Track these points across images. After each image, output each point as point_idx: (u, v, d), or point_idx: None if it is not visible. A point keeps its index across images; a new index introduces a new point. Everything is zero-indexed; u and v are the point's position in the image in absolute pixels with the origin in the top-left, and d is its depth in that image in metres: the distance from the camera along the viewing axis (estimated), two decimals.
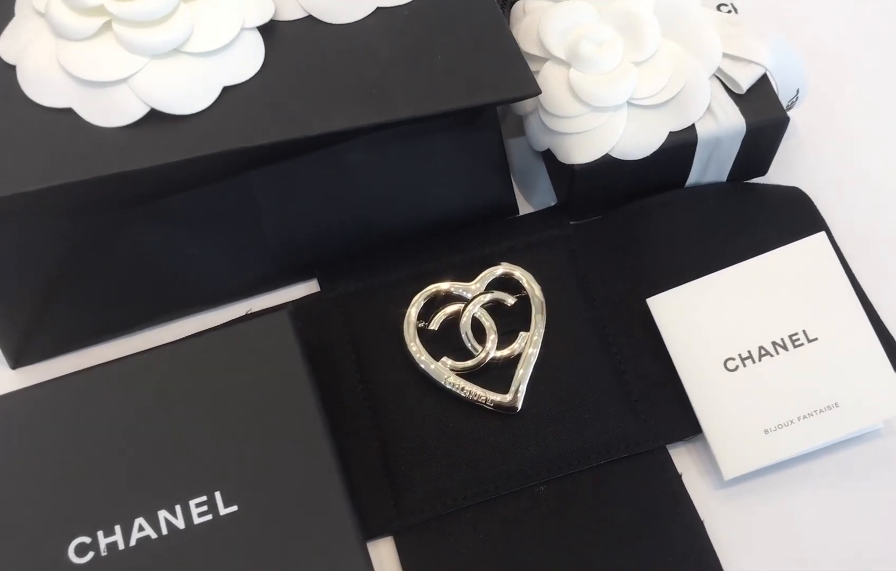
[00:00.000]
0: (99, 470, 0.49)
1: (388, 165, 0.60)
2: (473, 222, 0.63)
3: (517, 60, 0.58)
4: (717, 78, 0.62)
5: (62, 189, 0.51)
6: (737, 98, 0.61)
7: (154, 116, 0.53)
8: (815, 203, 0.64)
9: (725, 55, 0.62)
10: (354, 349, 0.58)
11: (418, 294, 0.58)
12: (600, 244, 0.62)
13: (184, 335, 0.58)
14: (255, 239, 0.59)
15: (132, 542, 0.47)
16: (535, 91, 0.57)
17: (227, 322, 0.57)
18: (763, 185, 0.65)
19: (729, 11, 0.65)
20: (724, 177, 0.64)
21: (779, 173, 0.65)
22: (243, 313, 0.59)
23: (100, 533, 0.47)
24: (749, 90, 0.61)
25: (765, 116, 0.61)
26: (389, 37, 0.57)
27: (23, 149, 0.52)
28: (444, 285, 0.58)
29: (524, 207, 0.65)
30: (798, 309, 0.57)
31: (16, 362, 0.58)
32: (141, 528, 0.48)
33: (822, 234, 0.59)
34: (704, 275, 0.59)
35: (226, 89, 0.54)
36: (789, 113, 0.62)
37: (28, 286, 0.56)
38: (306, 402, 0.51)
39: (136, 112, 0.53)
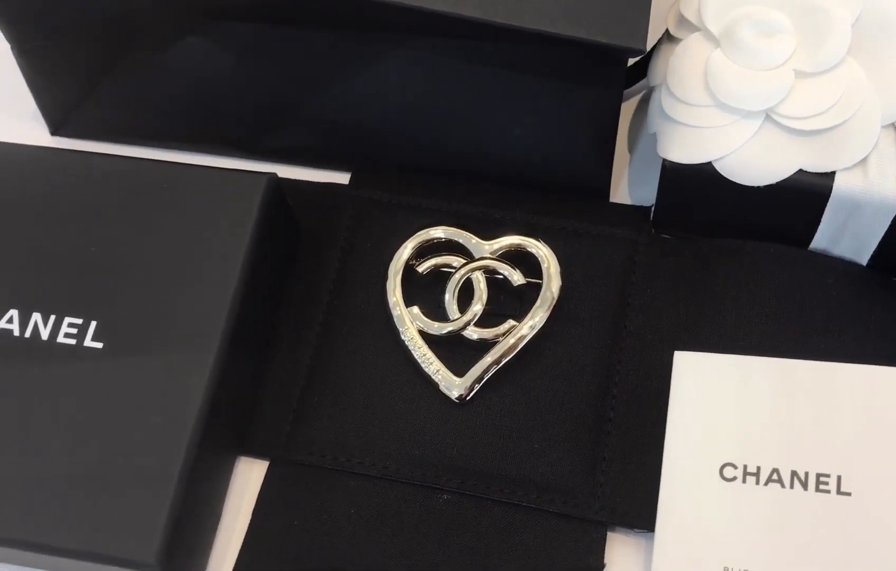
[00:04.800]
0: (8, 245, 0.47)
1: (478, 81, 0.51)
2: (547, 187, 0.53)
3: (638, 7, 0.47)
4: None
5: None
6: None
7: None
8: None
9: None
10: (342, 258, 0.51)
11: (423, 231, 0.50)
12: (670, 268, 0.50)
13: None
14: (304, 103, 0.53)
15: None
16: (636, 47, 0.46)
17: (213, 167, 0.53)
18: None
19: None
20: (862, 259, 0.49)
21: None
22: None
23: None
24: None
25: None
26: None
27: None
28: (449, 233, 0.50)
29: (621, 198, 0.54)
30: (845, 448, 0.42)
31: (55, 129, 0.57)
32: (10, 320, 0.45)
33: None
34: None
35: None
36: None
37: (78, 62, 0.54)
38: (226, 284, 0.45)
39: None
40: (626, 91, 0.56)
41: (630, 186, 0.55)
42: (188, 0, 0.50)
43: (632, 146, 0.56)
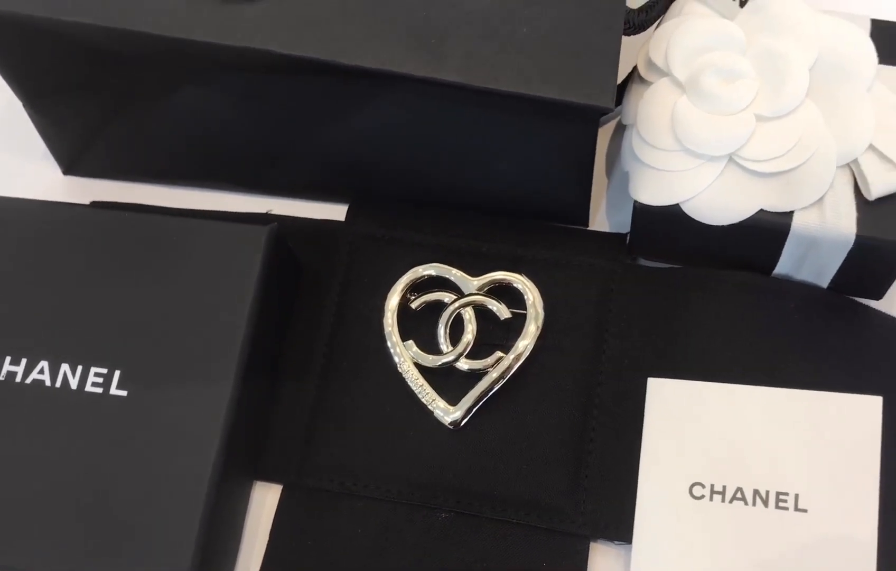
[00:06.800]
0: (36, 300, 0.51)
1: (463, 121, 0.55)
2: (531, 216, 0.57)
3: (606, 61, 0.50)
4: (851, 170, 0.50)
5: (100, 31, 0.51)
6: (861, 202, 0.49)
7: None
8: None
9: (872, 148, 0.50)
10: (342, 292, 0.55)
11: (414, 270, 0.54)
12: (644, 297, 0.54)
13: (208, 208, 0.58)
14: (300, 143, 0.57)
15: (28, 380, 0.49)
16: (604, 106, 0.50)
17: (216, 212, 0.57)
18: (871, 310, 0.53)
19: None
20: (823, 282, 0.53)
21: None
22: (264, 212, 0.58)
23: (7, 359, 0.50)
24: (879, 201, 0.49)
25: (884, 235, 0.49)
26: None
27: None
28: (439, 270, 0.54)
29: (601, 222, 0.58)
30: (803, 469, 0.47)
31: (67, 169, 0.61)
32: (41, 371, 0.49)
33: (878, 399, 0.47)
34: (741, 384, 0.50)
35: None
36: None
37: (85, 112, 0.58)
38: (236, 330, 0.49)
39: None
40: (603, 118, 0.60)
41: (608, 210, 0.59)
42: (186, 56, 0.54)
43: (609, 171, 0.60)
